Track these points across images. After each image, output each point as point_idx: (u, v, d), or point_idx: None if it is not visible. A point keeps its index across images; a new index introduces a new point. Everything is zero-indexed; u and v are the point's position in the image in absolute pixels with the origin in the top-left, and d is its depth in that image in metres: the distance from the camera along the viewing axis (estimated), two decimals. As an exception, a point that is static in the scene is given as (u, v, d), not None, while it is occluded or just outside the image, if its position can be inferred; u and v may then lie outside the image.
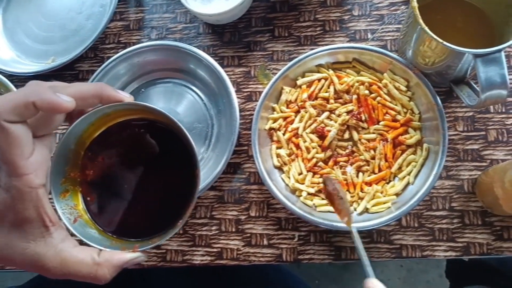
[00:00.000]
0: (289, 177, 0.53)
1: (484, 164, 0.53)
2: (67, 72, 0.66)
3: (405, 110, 0.53)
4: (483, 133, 0.54)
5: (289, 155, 0.54)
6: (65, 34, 0.68)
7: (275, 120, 0.55)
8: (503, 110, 0.54)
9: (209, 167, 0.57)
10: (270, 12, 0.63)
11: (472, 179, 0.52)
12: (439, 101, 0.50)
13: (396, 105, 0.53)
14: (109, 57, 0.62)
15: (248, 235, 0.56)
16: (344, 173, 0.52)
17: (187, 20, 0.65)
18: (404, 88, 0.53)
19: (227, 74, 0.58)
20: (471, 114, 0.54)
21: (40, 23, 0.70)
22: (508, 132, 0.53)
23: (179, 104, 0.62)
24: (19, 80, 0.66)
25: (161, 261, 0.57)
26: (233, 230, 0.56)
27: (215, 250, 0.56)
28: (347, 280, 1.30)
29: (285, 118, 0.55)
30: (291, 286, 0.74)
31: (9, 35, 0.71)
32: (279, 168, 0.55)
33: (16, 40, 0.70)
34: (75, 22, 0.68)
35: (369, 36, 0.59)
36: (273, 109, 0.56)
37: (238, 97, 0.60)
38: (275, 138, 0.55)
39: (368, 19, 0.60)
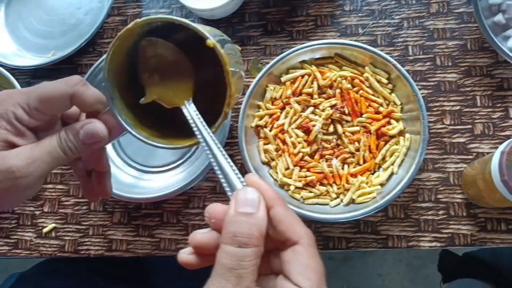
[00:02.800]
0: (276, 172, 0.55)
1: (470, 157, 0.54)
2: (66, 66, 0.67)
3: (387, 102, 0.54)
4: (470, 126, 0.54)
5: (276, 150, 0.55)
6: (64, 29, 0.70)
7: (261, 118, 0.56)
8: (490, 104, 0.55)
9: (202, 159, 0.59)
10: (263, 7, 0.64)
11: (458, 172, 0.53)
12: (418, 92, 0.51)
13: (378, 97, 0.54)
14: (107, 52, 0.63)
15: (239, 225, 0.57)
16: (330, 165, 0.53)
17: (183, 15, 0.66)
18: (385, 81, 0.54)
19: (221, 68, 0.60)
20: (458, 108, 0.55)
21: (40, 18, 0.72)
22: (494, 125, 0.54)
23: (174, 98, 0.63)
24: (21, 73, 0.68)
25: (155, 249, 0.59)
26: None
27: (207, 239, 0.57)
28: (346, 274, 1.31)
29: (270, 115, 0.56)
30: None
31: (11, 30, 0.73)
32: (267, 164, 0.56)
33: (17, 35, 0.72)
34: (74, 17, 0.70)
35: (360, 31, 0.60)
36: (259, 107, 0.57)
37: (231, 91, 0.61)
38: (262, 135, 0.56)
39: (359, 14, 0.61)
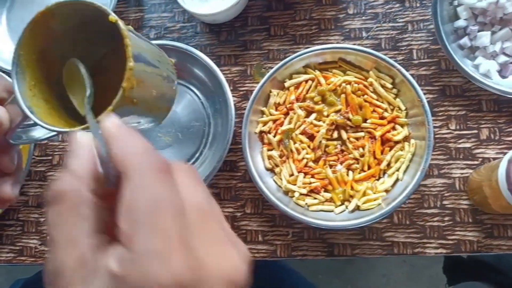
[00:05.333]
0: (281, 179, 0.54)
1: (476, 162, 0.53)
2: (68, 71, 0.67)
3: (391, 107, 0.54)
4: (476, 131, 0.54)
5: (280, 156, 0.55)
6: (66, 34, 0.70)
7: (264, 123, 0.56)
8: (496, 109, 0.54)
9: (206, 165, 0.59)
10: (266, 11, 0.63)
11: (463, 178, 0.53)
12: (423, 97, 0.51)
13: (382, 102, 0.54)
14: (108, 57, 0.63)
15: (244, 231, 0.57)
16: (334, 172, 0.53)
17: (185, 20, 0.66)
18: (389, 86, 0.54)
19: (224, 73, 0.59)
20: (464, 112, 0.55)
21: (42, 23, 0.71)
22: (500, 130, 0.53)
23: (178, 103, 0.63)
24: (23, 79, 0.68)
25: (159, 256, 0.58)
26: (230, 226, 0.57)
27: (211, 245, 0.57)
28: (350, 274, 1.31)
29: (274, 121, 0.56)
30: (292, 283, 0.75)
31: (13, 35, 0.73)
32: (271, 170, 0.56)
33: (20, 40, 0.72)
34: (76, 22, 0.70)
35: (364, 34, 0.59)
36: (262, 113, 0.57)
37: (234, 96, 0.61)
38: (266, 141, 0.56)
39: (363, 18, 0.60)
